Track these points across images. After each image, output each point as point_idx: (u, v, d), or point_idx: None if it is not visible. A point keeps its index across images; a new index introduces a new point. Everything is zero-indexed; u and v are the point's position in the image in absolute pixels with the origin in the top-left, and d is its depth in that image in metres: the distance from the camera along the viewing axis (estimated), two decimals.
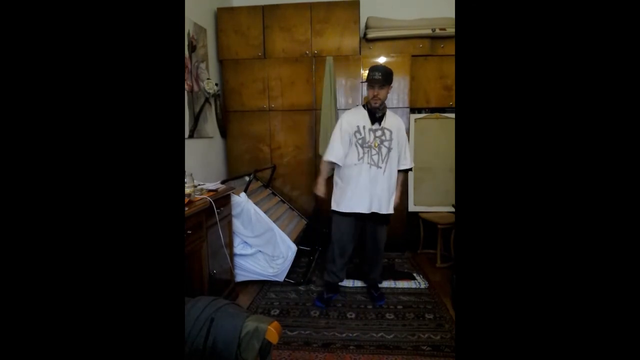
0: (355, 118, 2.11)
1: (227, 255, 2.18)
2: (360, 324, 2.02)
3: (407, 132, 3.08)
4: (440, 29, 3.01)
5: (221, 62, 3.15)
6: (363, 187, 2.07)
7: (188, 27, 2.56)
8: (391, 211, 2.17)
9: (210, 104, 2.92)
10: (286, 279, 2.51)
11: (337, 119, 2.72)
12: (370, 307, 2.22)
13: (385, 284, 2.51)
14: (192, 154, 2.63)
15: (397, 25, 3.07)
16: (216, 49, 3.13)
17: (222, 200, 2.12)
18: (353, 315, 2.12)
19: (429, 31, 3.02)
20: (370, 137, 2.06)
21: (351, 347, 1.79)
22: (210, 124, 2.92)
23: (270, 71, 3.08)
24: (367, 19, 3.14)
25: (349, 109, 2.74)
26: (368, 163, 2.06)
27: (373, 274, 2.34)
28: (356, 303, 2.27)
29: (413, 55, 3.03)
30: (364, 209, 2.09)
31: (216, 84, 2.96)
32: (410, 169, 2.25)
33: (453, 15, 2.91)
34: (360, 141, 2.06)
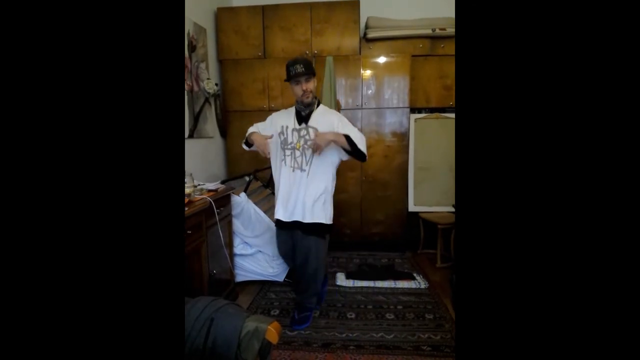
0: (281, 118, 1.96)
1: (227, 255, 2.18)
2: (360, 324, 2.01)
3: (407, 132, 3.09)
4: (441, 29, 3.01)
5: (221, 62, 3.15)
6: (285, 192, 1.93)
7: (188, 27, 2.55)
8: (321, 220, 1.91)
9: (210, 103, 2.91)
10: (286, 279, 2.50)
11: None
12: (370, 307, 2.21)
13: (386, 284, 2.50)
14: (192, 153, 2.62)
15: (397, 25, 3.07)
16: (216, 48, 3.13)
17: (222, 200, 2.12)
18: (353, 315, 2.11)
19: (429, 31, 3.02)
20: (293, 138, 1.88)
21: (351, 347, 1.79)
22: (210, 124, 2.92)
23: (270, 71, 3.07)
24: (367, 18, 3.13)
25: (348, 110, 2.72)
26: (291, 166, 1.89)
27: (300, 297, 2.09)
28: (356, 303, 2.27)
29: (413, 55, 3.03)
30: (285, 217, 1.94)
31: (216, 84, 2.96)
32: (362, 155, 1.84)
33: (453, 15, 2.91)
34: (282, 143, 1.91)
